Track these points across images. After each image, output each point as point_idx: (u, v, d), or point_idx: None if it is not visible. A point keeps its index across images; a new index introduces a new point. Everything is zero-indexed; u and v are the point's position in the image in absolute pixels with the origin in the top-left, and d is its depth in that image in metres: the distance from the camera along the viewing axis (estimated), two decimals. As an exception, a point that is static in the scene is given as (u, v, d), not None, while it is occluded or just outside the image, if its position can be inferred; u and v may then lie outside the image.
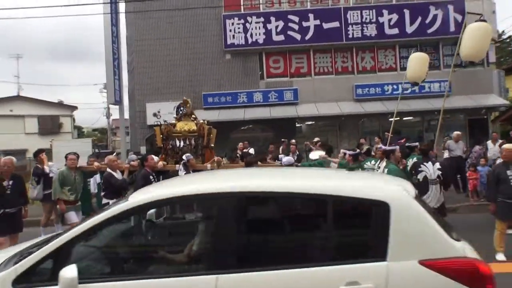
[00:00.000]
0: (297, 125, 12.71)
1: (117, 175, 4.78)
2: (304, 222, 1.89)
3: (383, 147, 5.11)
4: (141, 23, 12.58)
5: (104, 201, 4.64)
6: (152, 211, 2.15)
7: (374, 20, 11.98)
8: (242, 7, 12.31)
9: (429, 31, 11.96)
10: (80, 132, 30.56)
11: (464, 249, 1.56)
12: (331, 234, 1.70)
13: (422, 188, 4.07)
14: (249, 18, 12.00)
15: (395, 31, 11.95)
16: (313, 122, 12.77)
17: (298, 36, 12.04)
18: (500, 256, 3.74)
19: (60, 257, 1.51)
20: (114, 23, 10.82)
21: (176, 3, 11.84)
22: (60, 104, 23.80)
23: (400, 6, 12.10)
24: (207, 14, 11.99)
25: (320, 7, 12.28)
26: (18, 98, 21.59)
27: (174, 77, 12.41)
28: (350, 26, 11.95)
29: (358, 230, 1.77)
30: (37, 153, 5.63)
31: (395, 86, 11.63)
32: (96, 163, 5.54)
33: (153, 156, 5.23)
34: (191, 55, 12.43)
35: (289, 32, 12.01)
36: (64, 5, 17.91)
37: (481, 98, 11.71)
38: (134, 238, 2.26)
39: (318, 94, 12.07)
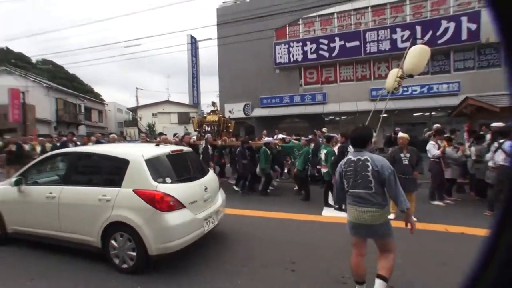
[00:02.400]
0: (326, 119, 17.64)
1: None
2: (97, 166, 4.00)
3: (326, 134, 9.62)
4: (223, 51, 19.74)
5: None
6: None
7: (388, 37, 15.64)
8: (287, 36, 17.95)
9: (440, 41, 14.78)
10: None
11: (157, 186, 3.27)
12: (102, 172, 3.81)
13: None
14: (291, 44, 17.54)
15: (407, 44, 15.25)
16: (335, 117, 17.44)
17: (327, 54, 16.86)
18: (391, 216, 4.22)
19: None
20: (194, 54, 18.22)
21: (243, 38, 18.34)
22: (190, 105, 34.78)
23: (412, 24, 15.32)
24: (264, 43, 18.07)
25: (344, 31, 16.71)
26: (167, 102, 33.24)
27: (242, 86, 19.11)
28: (368, 43, 15.98)
29: (114, 171, 3.60)
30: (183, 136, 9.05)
31: (405, 88, 15.14)
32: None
33: (188, 136, 8.79)
34: (253, 71, 18.85)
35: (320, 52, 16.96)
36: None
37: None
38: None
39: (341, 96, 16.69)
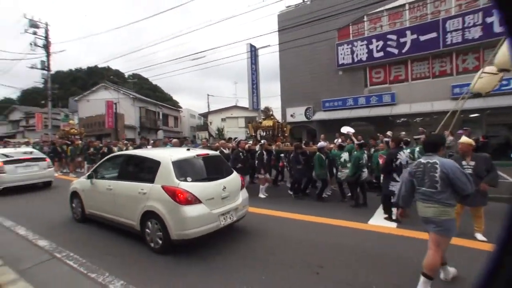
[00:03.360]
0: (398, 121, 16.15)
1: (225, 151, 8.66)
2: (139, 166, 4.90)
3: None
4: (284, 56, 20.01)
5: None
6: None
7: (479, 22, 13.42)
8: (351, 35, 17.16)
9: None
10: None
11: (179, 184, 3.96)
12: (142, 170, 4.67)
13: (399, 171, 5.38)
14: (355, 43, 16.71)
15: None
16: (408, 119, 15.78)
17: (396, 51, 15.49)
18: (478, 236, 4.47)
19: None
20: (253, 62, 18.77)
21: (304, 41, 18.28)
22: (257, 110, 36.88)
23: None
24: (325, 45, 17.68)
25: (417, 23, 15.07)
26: (235, 107, 36.03)
27: (303, 90, 19.04)
28: (449, 34, 14.07)
29: (150, 170, 4.36)
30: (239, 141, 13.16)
31: (505, 82, 12.68)
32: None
33: (244, 141, 9.33)
34: (315, 74, 18.61)
35: (388, 49, 15.69)
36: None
37: None
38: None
39: (413, 96, 15.10)
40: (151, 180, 4.23)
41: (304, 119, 19.29)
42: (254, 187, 8.91)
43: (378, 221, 5.51)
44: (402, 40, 15.23)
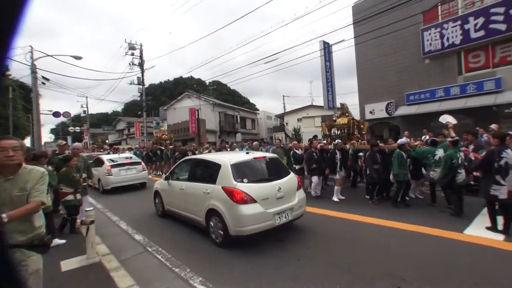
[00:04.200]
0: (506, 110, 13.63)
1: (297, 151, 8.95)
2: (204, 168, 5.51)
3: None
4: (360, 50, 19.09)
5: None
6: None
7: None
8: (439, 17, 15.27)
9: None
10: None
11: (236, 185, 4.49)
12: (207, 172, 5.28)
13: (504, 171, 4.71)
14: (445, 25, 14.79)
15: None
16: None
17: (503, 27, 13.06)
18: None
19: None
20: (327, 59, 18.26)
21: (383, 31, 17.05)
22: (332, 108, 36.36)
23: None
24: (407, 33, 16.17)
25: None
26: (311, 106, 36.45)
27: (383, 84, 17.84)
28: None
29: (213, 172, 4.94)
30: (311, 141, 13.64)
31: None
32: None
33: (316, 140, 9.52)
34: (396, 66, 17.22)
35: (491, 26, 13.37)
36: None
37: None
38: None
39: (528, 80, 12.53)
40: (214, 181, 4.82)
41: (385, 115, 18.03)
42: (328, 189, 8.92)
43: (478, 231, 4.88)
44: None
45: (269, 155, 5.74)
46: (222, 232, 4.60)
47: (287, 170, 5.52)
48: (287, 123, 39.33)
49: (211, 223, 4.86)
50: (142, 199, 9.33)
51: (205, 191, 4.94)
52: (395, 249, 4.34)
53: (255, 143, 10.92)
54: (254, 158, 5.09)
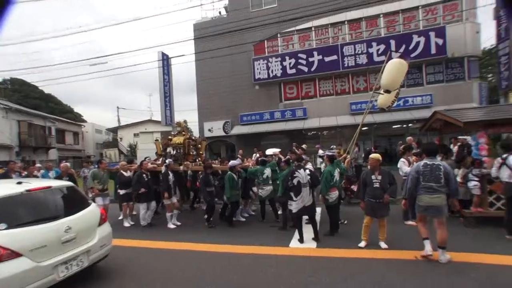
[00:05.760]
0: (309, 133, 18.01)
1: (125, 173, 7.60)
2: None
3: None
4: (201, 68, 20.01)
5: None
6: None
7: (365, 51, 16.40)
8: (266, 51, 18.50)
9: (412, 55, 15.60)
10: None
11: None
12: None
13: (296, 189, 5.36)
14: (270, 59, 18.04)
15: (383, 58, 16.01)
16: (317, 132, 17.85)
17: (306, 69, 17.41)
18: (362, 244, 4.96)
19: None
20: (166, 72, 18.35)
21: (221, 53, 18.61)
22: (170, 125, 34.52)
23: (387, 38, 16.17)
24: (242, 59, 18.51)
25: (322, 45, 17.41)
26: (149, 121, 33.74)
27: (221, 103, 19.34)
28: (345, 57, 16.66)
29: None
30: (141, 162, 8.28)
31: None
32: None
33: (146, 161, 8.01)
34: (232, 87, 19.18)
35: (299, 66, 17.50)
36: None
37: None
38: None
39: (322, 111, 17.14)
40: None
41: (223, 133, 19.55)
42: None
43: (297, 243, 5.41)
44: (310, 59, 17.21)
45: (57, 183, 4.38)
46: None
47: (84, 202, 4.33)
48: (121, 138, 35.39)
49: None
50: None
51: None
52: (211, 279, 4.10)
53: (63, 164, 8.19)
54: (28, 191, 3.65)
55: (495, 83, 17.29)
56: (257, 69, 18.31)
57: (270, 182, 7.09)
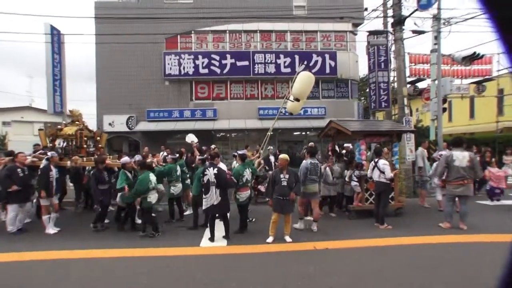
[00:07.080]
0: (218, 135, 18.29)
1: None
2: None
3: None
4: (103, 54, 17.75)
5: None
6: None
7: (274, 61, 17.81)
8: (179, 47, 17.89)
9: (313, 71, 17.87)
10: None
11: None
12: None
13: (206, 187, 5.58)
14: (182, 56, 17.52)
15: (288, 70, 17.76)
16: (226, 134, 18.39)
17: (218, 70, 17.64)
18: (270, 239, 5.36)
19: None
20: (57, 51, 15.31)
21: (128, 39, 16.91)
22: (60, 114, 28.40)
23: (293, 52, 18.04)
24: (152, 51, 17.35)
25: (236, 50, 18.06)
26: (28, 108, 27.63)
27: (126, 96, 17.57)
28: (256, 64, 17.68)
29: None
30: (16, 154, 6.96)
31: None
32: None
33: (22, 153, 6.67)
34: (140, 80, 17.69)
35: (212, 67, 17.61)
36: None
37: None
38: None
39: (231, 113, 17.68)
40: None
41: (126, 129, 17.84)
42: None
43: (208, 242, 5.50)
44: (223, 61, 17.55)
45: None
46: None
47: None
48: (-17, 127, 27.71)
49: None
50: None
51: None
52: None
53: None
54: None
55: (367, 104, 21.34)
56: (168, 64, 17.52)
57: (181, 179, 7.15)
